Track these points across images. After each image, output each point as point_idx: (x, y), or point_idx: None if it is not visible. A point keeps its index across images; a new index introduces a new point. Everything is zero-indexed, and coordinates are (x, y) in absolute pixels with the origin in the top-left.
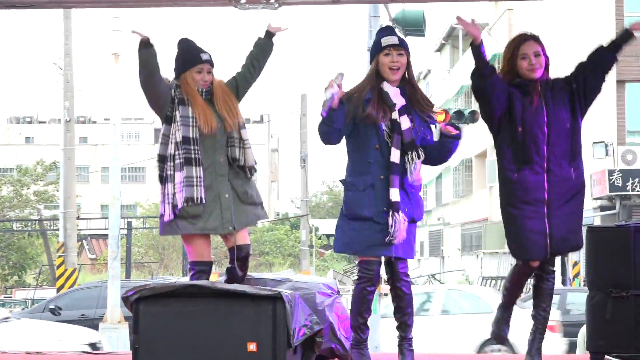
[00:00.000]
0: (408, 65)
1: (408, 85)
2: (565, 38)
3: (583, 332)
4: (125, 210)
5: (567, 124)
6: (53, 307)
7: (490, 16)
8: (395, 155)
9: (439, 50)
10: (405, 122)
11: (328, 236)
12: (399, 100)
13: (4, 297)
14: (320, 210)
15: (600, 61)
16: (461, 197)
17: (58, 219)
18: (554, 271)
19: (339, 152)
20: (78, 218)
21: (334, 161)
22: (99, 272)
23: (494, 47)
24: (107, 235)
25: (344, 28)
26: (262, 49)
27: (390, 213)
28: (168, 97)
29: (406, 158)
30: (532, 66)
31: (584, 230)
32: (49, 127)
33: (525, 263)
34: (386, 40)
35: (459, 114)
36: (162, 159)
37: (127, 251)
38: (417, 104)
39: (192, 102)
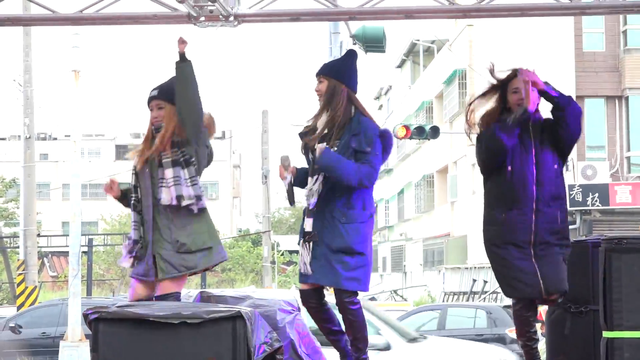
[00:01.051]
0: (331, 89)
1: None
2: (525, 54)
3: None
4: (87, 227)
5: (555, 164)
6: (13, 325)
7: (450, 33)
8: (309, 183)
9: (400, 66)
10: (318, 149)
11: (290, 252)
12: (321, 128)
13: None
14: (282, 226)
15: (553, 123)
16: (423, 213)
17: (18, 237)
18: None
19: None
20: (39, 235)
21: None
22: (59, 290)
23: (455, 63)
24: (68, 252)
25: (304, 44)
26: (177, 77)
27: (301, 242)
28: None
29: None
30: (522, 101)
31: None
32: (8, 143)
33: (520, 302)
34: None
35: (420, 129)
36: None
37: (88, 268)
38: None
39: (140, 148)
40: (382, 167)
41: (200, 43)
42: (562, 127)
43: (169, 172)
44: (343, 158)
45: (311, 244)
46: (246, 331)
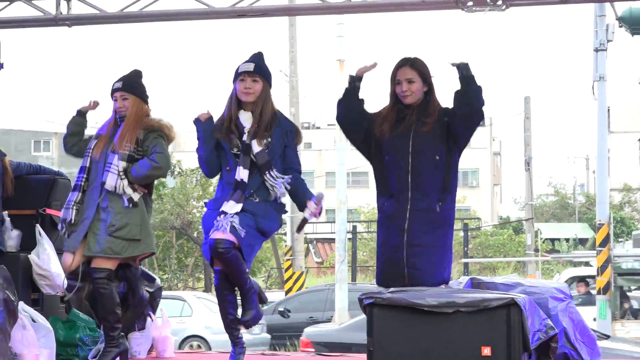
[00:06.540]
0: (265, 92)
1: (262, 111)
2: None
3: None
4: (349, 215)
5: (437, 155)
6: (282, 309)
7: None
8: (240, 174)
9: None
10: (255, 146)
11: (552, 240)
12: (248, 124)
13: None
14: (545, 213)
15: (456, 103)
16: None
17: (285, 223)
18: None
19: (564, 153)
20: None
21: (560, 162)
22: (324, 275)
23: None
24: (332, 239)
25: (568, 28)
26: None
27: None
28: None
29: (265, 177)
30: (404, 93)
31: None
32: None
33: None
34: (242, 67)
35: None
36: None
37: (352, 255)
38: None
39: (99, 135)
40: None
41: (465, 28)
42: (464, 104)
43: (121, 164)
44: None
45: None
46: (521, 318)
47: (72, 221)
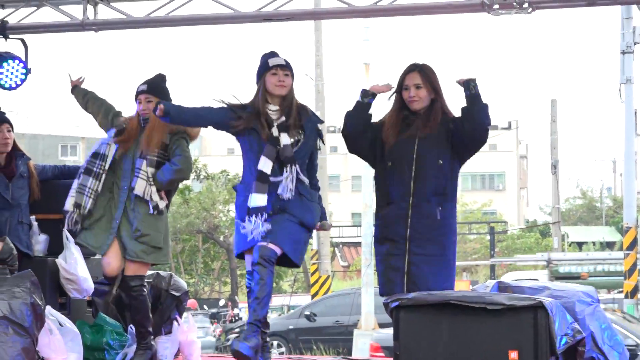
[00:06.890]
0: (293, 87)
1: (290, 105)
2: None
3: None
4: None
5: (440, 159)
6: (308, 313)
7: None
8: (263, 165)
9: None
10: (283, 138)
11: (579, 244)
12: (276, 116)
13: None
14: (572, 216)
15: (462, 119)
16: None
17: None
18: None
19: (591, 156)
20: (331, 226)
21: (586, 165)
22: (350, 279)
23: None
24: (358, 242)
25: (595, 30)
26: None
27: (248, 218)
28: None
29: (284, 170)
30: (411, 98)
31: None
32: None
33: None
34: (273, 61)
35: None
36: None
37: None
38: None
39: (124, 130)
40: None
41: (492, 31)
42: (469, 122)
43: (150, 170)
44: None
45: None
46: (548, 322)
47: (88, 211)
